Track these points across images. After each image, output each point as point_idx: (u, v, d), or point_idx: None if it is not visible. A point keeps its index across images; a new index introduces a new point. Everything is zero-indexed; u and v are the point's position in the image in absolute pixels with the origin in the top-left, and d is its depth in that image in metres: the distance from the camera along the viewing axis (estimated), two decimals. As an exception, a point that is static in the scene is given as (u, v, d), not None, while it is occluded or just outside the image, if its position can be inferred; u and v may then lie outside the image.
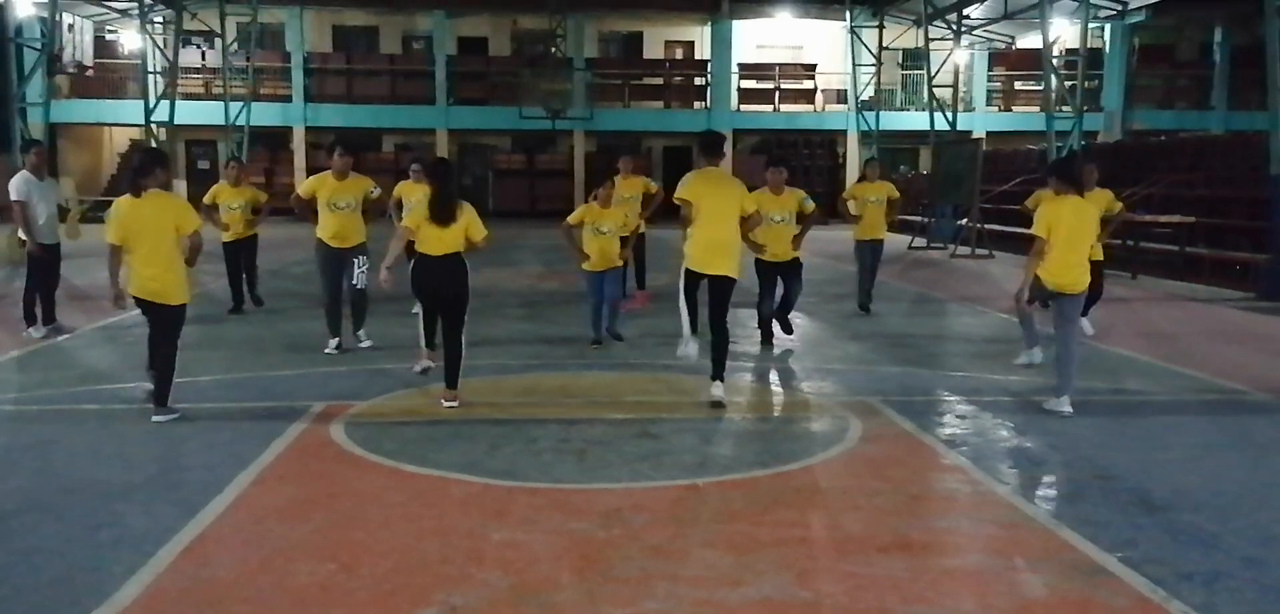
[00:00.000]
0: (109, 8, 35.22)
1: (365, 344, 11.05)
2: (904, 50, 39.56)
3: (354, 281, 11.01)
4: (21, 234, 11.86)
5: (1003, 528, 5.97)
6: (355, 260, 10.96)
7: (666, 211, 11.17)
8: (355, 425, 7.98)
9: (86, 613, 4.67)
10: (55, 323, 12.08)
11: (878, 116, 38.01)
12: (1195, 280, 18.81)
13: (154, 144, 31.29)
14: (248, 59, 36.69)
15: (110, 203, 8.43)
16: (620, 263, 11.82)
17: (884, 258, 14.82)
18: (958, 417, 8.58)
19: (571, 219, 11.75)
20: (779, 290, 11.67)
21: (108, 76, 38.91)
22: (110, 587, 4.91)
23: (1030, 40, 37.17)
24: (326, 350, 10.91)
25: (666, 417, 8.37)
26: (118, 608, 4.72)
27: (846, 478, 6.91)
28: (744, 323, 12.14)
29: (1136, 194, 20.28)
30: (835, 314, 14.32)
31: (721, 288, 8.82)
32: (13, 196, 11.68)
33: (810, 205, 11.60)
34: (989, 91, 41.75)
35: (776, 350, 11.46)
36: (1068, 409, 8.55)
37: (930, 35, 34.40)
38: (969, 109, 39.89)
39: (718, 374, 8.81)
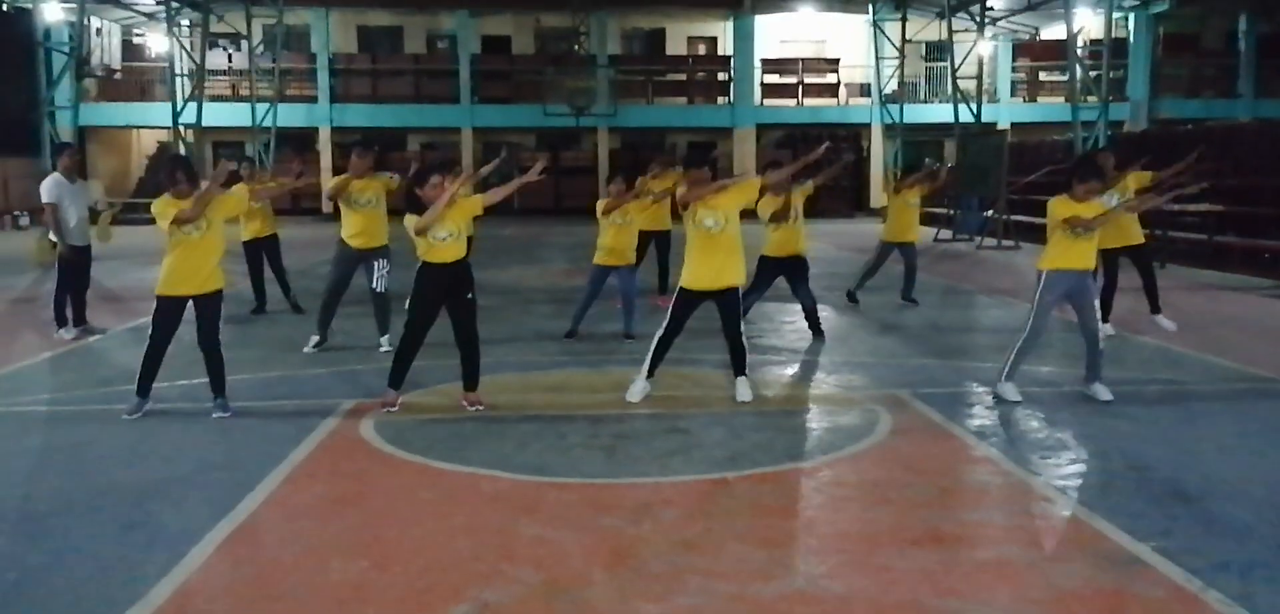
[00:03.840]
0: (136, 11, 35.48)
1: (385, 349, 10.79)
2: (927, 43, 39.38)
3: (373, 284, 10.92)
4: (53, 236, 11.94)
5: (1035, 519, 5.95)
6: (376, 263, 10.88)
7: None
8: (385, 423, 8.00)
9: (120, 612, 4.69)
10: (86, 324, 12.16)
11: (902, 110, 37.86)
12: (1224, 269, 18.70)
13: (181, 148, 31.56)
14: (274, 61, 36.83)
15: (139, 205, 8.47)
16: (632, 260, 11.83)
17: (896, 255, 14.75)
18: (987, 408, 8.54)
19: (601, 207, 11.75)
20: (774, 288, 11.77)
21: (135, 79, 39.15)
22: (144, 586, 4.94)
23: (1054, 31, 37.00)
24: (306, 349, 10.96)
25: (695, 411, 8.36)
26: (151, 607, 4.75)
27: (877, 471, 6.89)
28: (771, 316, 12.11)
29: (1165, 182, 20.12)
30: (862, 307, 14.27)
31: (728, 300, 8.75)
32: (44, 199, 11.77)
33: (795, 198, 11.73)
34: (1013, 83, 41.53)
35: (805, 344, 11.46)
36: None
37: (953, 27, 34.27)
38: (993, 101, 39.64)
39: (740, 371, 8.83)
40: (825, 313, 12.53)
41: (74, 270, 11.99)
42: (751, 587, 4.93)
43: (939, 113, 38.04)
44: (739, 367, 8.85)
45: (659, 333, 8.81)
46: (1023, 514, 6.03)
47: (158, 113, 35.94)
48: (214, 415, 8.21)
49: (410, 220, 8.16)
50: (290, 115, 37.63)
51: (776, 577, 5.05)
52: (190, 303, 8.23)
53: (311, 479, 6.73)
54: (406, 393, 8.93)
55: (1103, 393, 8.65)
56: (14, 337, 12.22)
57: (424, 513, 6.02)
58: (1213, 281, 17.47)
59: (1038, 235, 23.51)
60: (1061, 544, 5.52)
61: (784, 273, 11.61)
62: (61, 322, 12.01)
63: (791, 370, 10.30)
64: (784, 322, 11.79)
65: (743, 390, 8.73)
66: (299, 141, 38.66)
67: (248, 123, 35.79)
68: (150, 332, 8.27)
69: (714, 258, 8.61)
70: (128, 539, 5.58)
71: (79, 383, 9.72)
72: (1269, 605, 4.69)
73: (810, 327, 11.74)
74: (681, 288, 8.77)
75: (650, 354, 8.82)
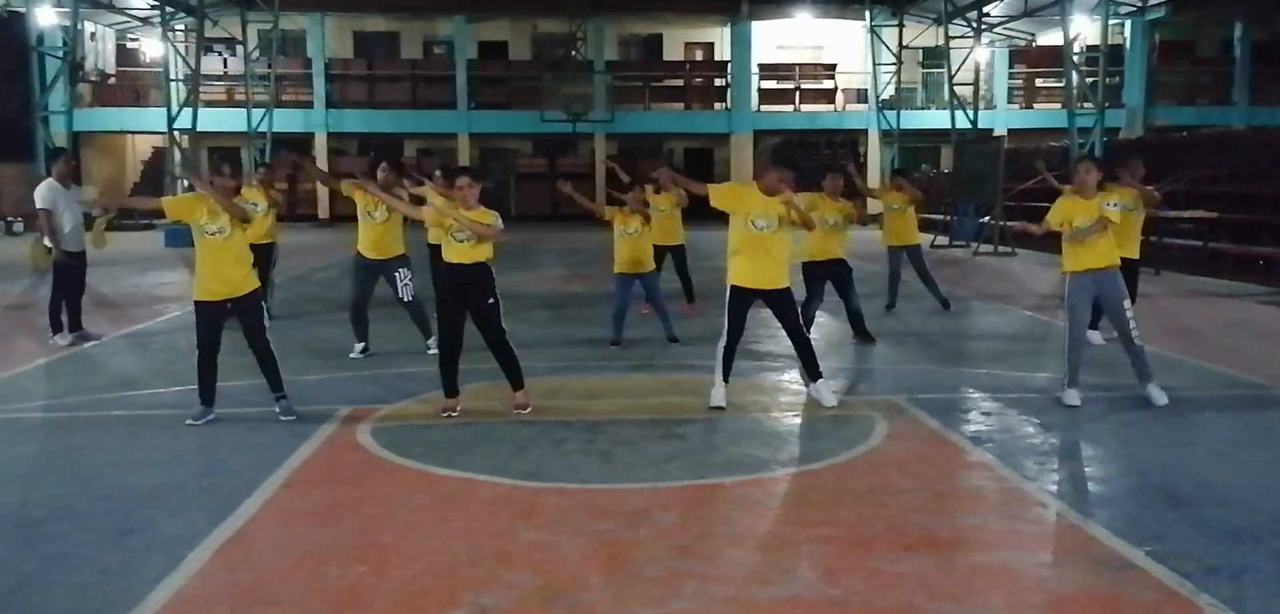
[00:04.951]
0: (131, 16, 35.46)
1: (433, 352, 10.38)
2: (924, 49, 39.49)
3: (400, 295, 10.97)
4: (47, 242, 11.93)
5: (1030, 524, 5.96)
6: (397, 274, 10.90)
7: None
8: (382, 429, 8.02)
9: (119, 617, 4.70)
10: (81, 330, 12.15)
11: (898, 116, 37.94)
12: (1218, 276, 18.73)
13: (177, 154, 31.58)
14: (270, 66, 36.83)
15: (134, 211, 8.50)
16: (651, 267, 11.85)
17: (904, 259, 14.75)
18: (983, 414, 8.56)
19: (606, 214, 11.81)
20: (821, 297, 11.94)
21: (130, 84, 39.16)
22: (141, 590, 4.95)
23: (1051, 37, 37.13)
24: (352, 355, 10.96)
25: (692, 417, 8.37)
26: (148, 612, 4.76)
27: (873, 476, 6.90)
28: (767, 322, 12.09)
29: (1159, 190, 20.19)
30: (861, 314, 14.27)
31: (781, 300, 8.72)
32: (39, 205, 11.76)
33: (851, 209, 12.11)
34: (1010, 89, 41.64)
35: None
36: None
37: (950, 33, 34.35)
38: (990, 107, 39.75)
39: (814, 374, 8.88)
40: (822, 317, 12.54)
41: (69, 276, 11.98)
42: (747, 591, 4.95)
43: (936, 119, 38.12)
44: (812, 370, 8.87)
45: (722, 342, 8.72)
46: (1017, 519, 6.04)
47: (152, 118, 35.95)
48: (282, 418, 8.30)
49: (431, 212, 8.61)
50: (286, 121, 37.60)
51: (773, 581, 5.07)
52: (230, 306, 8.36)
53: (309, 484, 6.73)
54: (404, 400, 8.97)
55: (1159, 397, 8.67)
56: (9, 343, 12.23)
57: (421, 518, 6.03)
58: (1207, 288, 17.49)
59: (1032, 242, 23.58)
60: (1055, 549, 5.55)
61: (829, 277, 11.78)
62: (57, 328, 11.99)
63: (788, 376, 10.30)
64: (781, 329, 11.78)
65: (825, 395, 8.77)
66: (295, 148, 38.68)
67: (243, 128, 35.78)
68: (196, 340, 8.36)
69: (762, 259, 8.55)
70: (124, 545, 5.59)
71: (75, 389, 9.72)
72: (1260, 609, 4.72)
73: (854, 329, 12.07)
74: (733, 287, 8.68)
75: (719, 363, 8.72)
